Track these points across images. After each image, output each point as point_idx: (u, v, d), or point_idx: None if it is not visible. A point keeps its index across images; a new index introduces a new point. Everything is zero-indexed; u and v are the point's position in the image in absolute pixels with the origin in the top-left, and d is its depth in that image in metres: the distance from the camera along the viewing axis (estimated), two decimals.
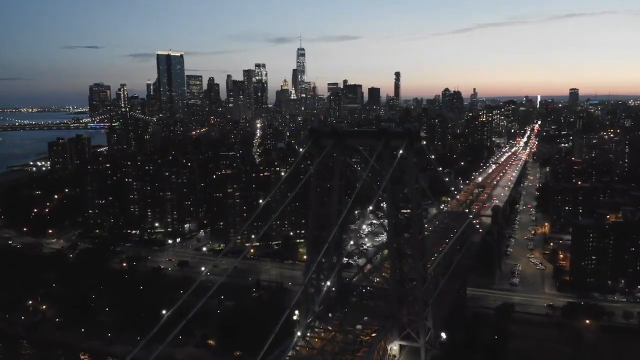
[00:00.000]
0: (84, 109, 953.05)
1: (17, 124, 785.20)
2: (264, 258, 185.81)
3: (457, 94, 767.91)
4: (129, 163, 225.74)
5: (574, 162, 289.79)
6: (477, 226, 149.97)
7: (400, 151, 69.85)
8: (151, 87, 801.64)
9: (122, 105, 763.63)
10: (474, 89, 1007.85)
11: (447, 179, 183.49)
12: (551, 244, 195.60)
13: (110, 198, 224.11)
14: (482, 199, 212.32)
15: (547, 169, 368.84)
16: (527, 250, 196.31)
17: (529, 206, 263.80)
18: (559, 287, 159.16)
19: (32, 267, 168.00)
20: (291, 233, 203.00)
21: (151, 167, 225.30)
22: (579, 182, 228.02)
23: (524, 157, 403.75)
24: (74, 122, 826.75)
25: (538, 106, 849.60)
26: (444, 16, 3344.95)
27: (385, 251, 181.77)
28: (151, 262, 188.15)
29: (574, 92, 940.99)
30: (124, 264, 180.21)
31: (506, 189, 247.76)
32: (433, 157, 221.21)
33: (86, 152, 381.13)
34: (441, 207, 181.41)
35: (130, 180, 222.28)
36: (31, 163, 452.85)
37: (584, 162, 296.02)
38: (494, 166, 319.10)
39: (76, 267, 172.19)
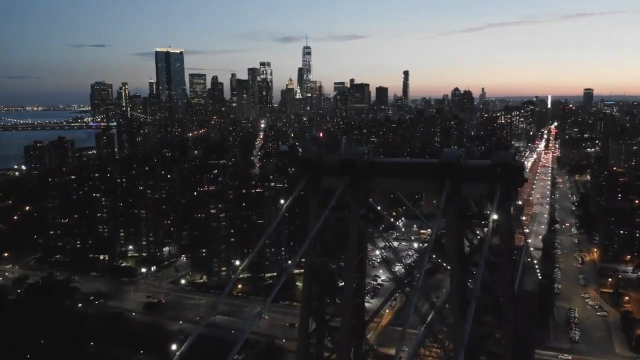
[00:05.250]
0: (87, 108, 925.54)
1: (10, 124, 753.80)
2: (254, 296, 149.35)
3: (468, 93, 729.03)
4: (96, 175, 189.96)
5: (617, 173, 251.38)
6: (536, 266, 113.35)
7: (495, 216, 33.80)
8: (153, 85, 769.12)
9: (124, 104, 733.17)
10: (483, 89, 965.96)
11: None
12: (609, 279, 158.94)
13: (76, 216, 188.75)
14: (525, 222, 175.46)
15: (577, 177, 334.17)
16: (579, 286, 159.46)
17: (567, 224, 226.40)
18: (635, 346, 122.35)
19: None
20: (289, 262, 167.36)
21: (124, 180, 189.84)
22: (636, 200, 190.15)
23: (549, 164, 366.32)
24: (73, 122, 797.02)
25: (549, 106, 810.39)
26: (453, 15, 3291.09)
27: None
28: (117, 298, 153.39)
29: (588, 92, 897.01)
30: (80, 304, 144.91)
31: (546, 206, 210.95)
32: None
33: (69, 156, 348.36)
34: None
35: (98, 195, 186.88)
36: (15, 167, 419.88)
37: (628, 172, 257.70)
38: None
39: (18, 310, 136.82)
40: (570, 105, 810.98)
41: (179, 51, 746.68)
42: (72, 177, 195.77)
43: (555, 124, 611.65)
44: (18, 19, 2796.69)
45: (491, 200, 34.72)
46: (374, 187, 40.97)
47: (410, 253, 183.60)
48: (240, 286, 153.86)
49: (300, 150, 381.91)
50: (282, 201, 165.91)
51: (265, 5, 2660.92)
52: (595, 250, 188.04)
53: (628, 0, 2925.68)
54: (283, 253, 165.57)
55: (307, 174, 40.83)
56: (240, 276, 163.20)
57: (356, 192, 39.45)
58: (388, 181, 41.14)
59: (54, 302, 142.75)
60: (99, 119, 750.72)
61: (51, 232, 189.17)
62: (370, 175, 39.93)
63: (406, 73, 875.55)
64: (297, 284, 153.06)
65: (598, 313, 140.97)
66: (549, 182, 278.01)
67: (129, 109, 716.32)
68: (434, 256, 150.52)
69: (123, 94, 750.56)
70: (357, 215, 40.34)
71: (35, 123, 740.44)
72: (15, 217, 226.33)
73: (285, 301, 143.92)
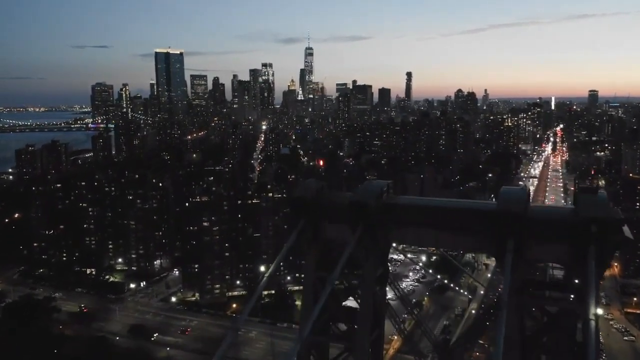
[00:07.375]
0: (88, 109, 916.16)
1: (8, 125, 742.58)
2: (249, 318, 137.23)
3: (471, 95, 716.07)
4: (83, 183, 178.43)
5: (634, 180, 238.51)
6: None
7: (594, 310, 22.24)
8: (154, 86, 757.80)
9: (124, 105, 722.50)
10: (485, 90, 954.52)
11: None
12: (634, 298, 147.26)
13: (62, 226, 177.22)
14: None
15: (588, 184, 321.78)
16: (601, 305, 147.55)
17: None
18: None
19: None
20: (288, 277, 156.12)
21: (113, 188, 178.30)
22: None
23: (559, 167, 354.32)
24: (72, 123, 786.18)
25: (553, 108, 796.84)
26: (455, 17, 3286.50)
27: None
28: (100, 318, 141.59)
29: (593, 94, 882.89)
30: (61, 326, 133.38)
31: None
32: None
33: (62, 160, 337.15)
34: None
35: (85, 204, 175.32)
36: (10, 170, 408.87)
37: None
38: (532, 182, 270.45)
39: None
40: (575, 107, 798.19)
41: (178, 52, 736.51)
42: (58, 185, 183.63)
43: (561, 126, 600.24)
44: (20, 19, 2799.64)
45: (572, 268, 23.19)
46: (395, 239, 29.30)
47: (417, 267, 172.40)
48: (235, 305, 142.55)
49: (300, 153, 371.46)
50: (280, 213, 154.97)
51: (267, 6, 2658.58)
52: (615, 264, 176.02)
53: (631, 1, 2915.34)
54: (282, 268, 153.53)
55: (302, 218, 29.19)
56: (235, 294, 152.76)
57: (371, 247, 27.80)
58: (416, 233, 28.38)
59: (32, 324, 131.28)
60: (99, 120, 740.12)
61: (35, 244, 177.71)
62: (390, 222, 28.23)
63: (409, 74, 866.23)
64: (297, 302, 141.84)
65: (625, 338, 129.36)
66: (561, 186, 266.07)
67: (129, 110, 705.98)
68: (438, 276, 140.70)
69: (124, 95, 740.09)
70: (372, 278, 28.80)
71: (34, 125, 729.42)
72: (3, 226, 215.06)
73: (284, 323, 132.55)
